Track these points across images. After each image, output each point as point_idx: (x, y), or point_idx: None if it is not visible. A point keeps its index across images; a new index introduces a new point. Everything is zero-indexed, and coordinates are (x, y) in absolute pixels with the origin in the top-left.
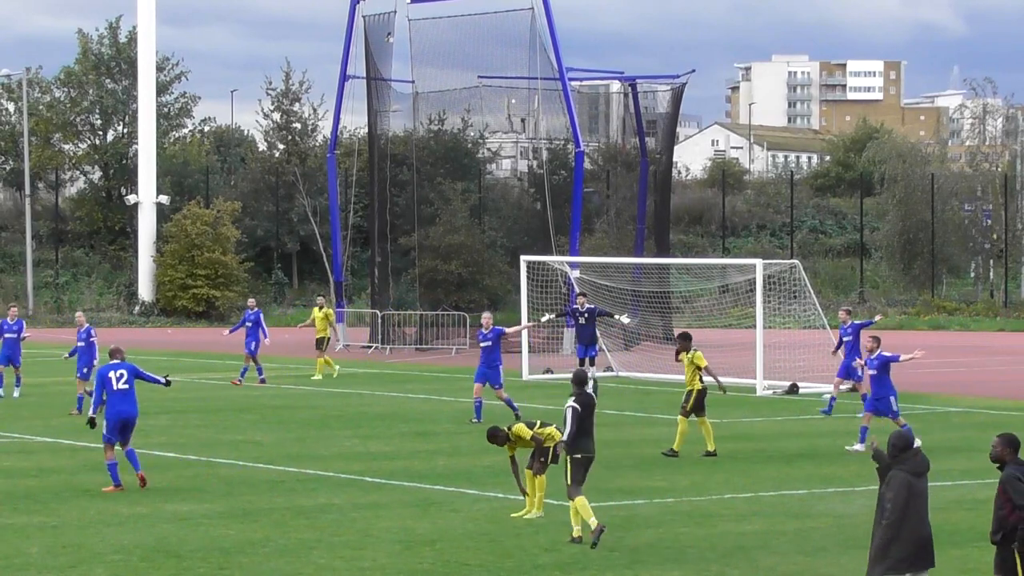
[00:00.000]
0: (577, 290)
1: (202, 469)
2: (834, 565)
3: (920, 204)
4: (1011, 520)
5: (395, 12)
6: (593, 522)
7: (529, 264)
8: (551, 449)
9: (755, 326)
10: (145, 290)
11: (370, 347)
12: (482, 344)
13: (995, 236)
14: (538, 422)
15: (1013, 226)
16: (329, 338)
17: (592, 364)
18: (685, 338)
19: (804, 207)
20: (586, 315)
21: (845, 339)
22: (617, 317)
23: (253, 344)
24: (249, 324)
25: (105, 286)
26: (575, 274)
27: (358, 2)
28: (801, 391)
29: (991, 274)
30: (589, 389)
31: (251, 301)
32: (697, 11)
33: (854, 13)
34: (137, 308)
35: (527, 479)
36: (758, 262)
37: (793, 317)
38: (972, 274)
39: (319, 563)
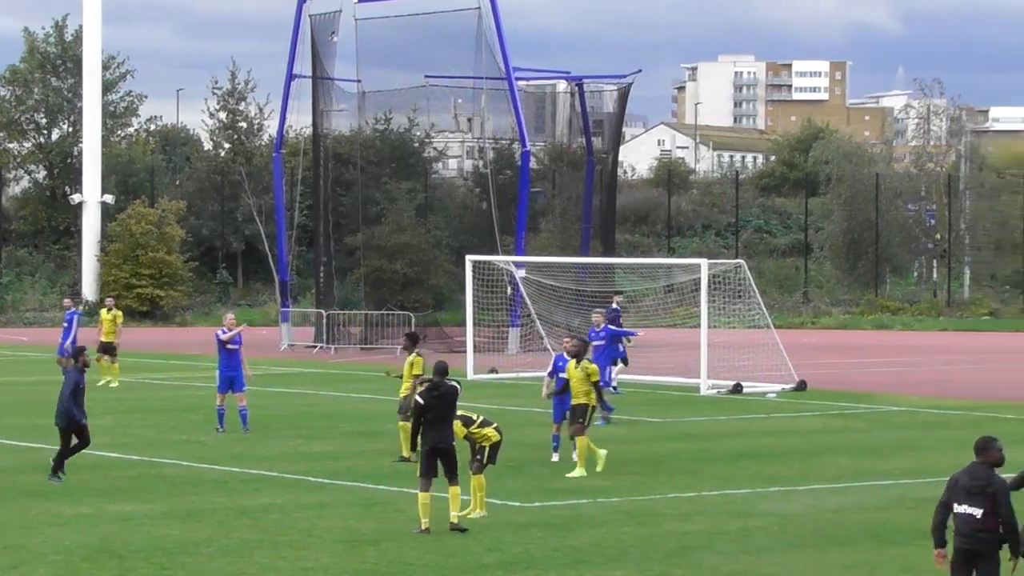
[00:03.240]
0: (523, 291)
1: (145, 469)
2: (777, 564)
3: (865, 204)
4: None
5: (341, 12)
6: (424, 523)
7: (475, 264)
8: (486, 448)
9: (700, 326)
10: (89, 290)
11: (315, 347)
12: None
13: (939, 236)
14: (479, 419)
15: (957, 226)
16: (116, 344)
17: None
18: (414, 339)
19: (749, 207)
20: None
21: (596, 343)
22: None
23: (68, 343)
24: (66, 324)
25: (49, 286)
26: (521, 274)
27: (304, 1)
28: (745, 391)
29: (934, 274)
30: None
31: (67, 301)
32: (641, 11)
33: (797, 14)
34: (81, 308)
35: (470, 480)
36: (703, 262)
37: (737, 317)
38: (916, 274)
39: (262, 563)
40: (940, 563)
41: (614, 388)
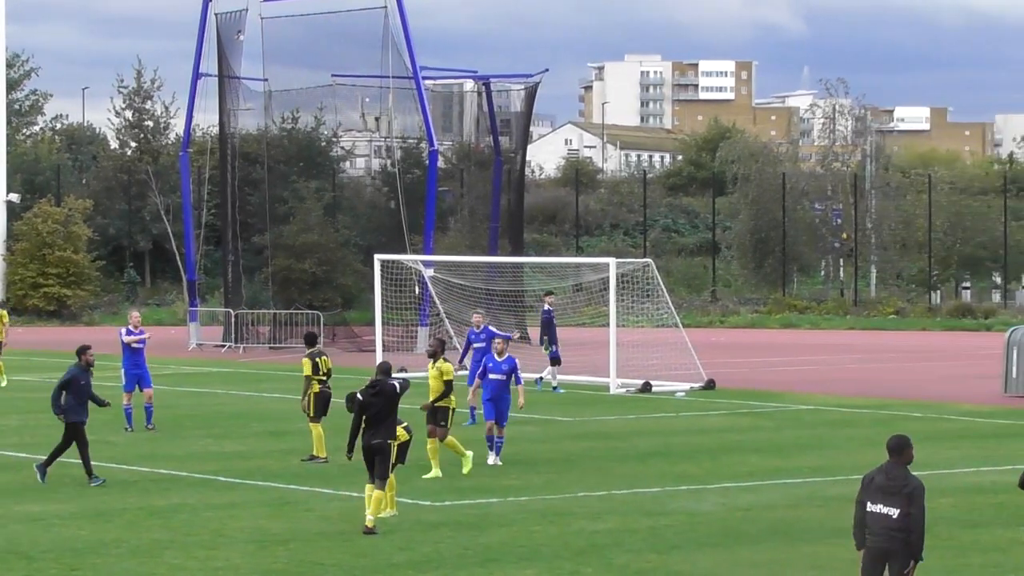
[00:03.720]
0: (432, 290)
1: (54, 469)
2: (687, 563)
3: (771, 203)
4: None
5: (247, 10)
6: (370, 520)
7: (383, 263)
8: (395, 448)
9: (608, 325)
10: None
11: (223, 346)
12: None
13: (845, 235)
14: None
15: (863, 225)
16: (3, 343)
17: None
18: (310, 339)
19: (657, 206)
20: (549, 314)
21: (477, 344)
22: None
23: None
24: None
25: None
26: (429, 273)
27: (210, 0)
28: (654, 389)
29: (841, 273)
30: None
31: None
32: (547, 10)
33: (702, 14)
34: None
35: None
36: (611, 261)
37: (646, 316)
38: (822, 273)
39: (172, 563)
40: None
41: (555, 388)
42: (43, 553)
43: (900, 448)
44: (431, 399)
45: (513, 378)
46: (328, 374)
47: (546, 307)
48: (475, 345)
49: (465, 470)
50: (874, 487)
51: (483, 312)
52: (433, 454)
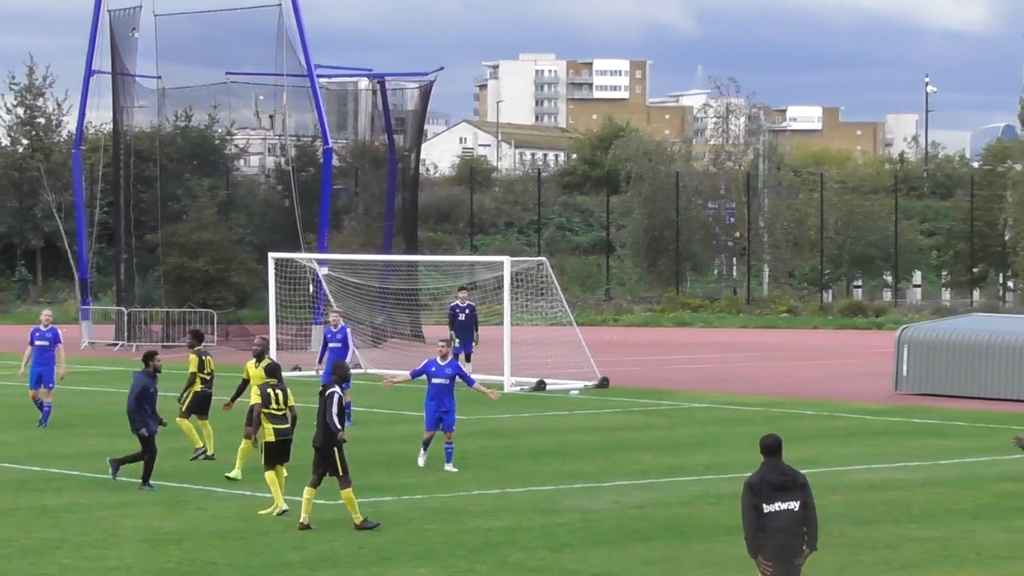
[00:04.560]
0: (326, 288)
1: None
2: (580, 560)
3: (665, 202)
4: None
5: (141, 7)
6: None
7: (277, 261)
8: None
9: (503, 323)
10: None
11: (116, 344)
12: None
13: (738, 234)
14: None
15: (756, 224)
16: None
17: (468, 360)
18: (197, 336)
19: (551, 205)
20: (466, 311)
21: (333, 344)
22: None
23: None
24: None
25: None
26: (324, 271)
27: None
28: (548, 388)
29: (734, 272)
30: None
31: None
32: (442, 9)
33: (596, 13)
34: None
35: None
36: (505, 260)
37: (540, 314)
38: (716, 272)
39: (64, 563)
40: (769, 572)
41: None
42: None
43: (779, 445)
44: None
45: (464, 381)
46: (211, 375)
47: (462, 303)
48: (331, 345)
49: (233, 474)
50: (767, 488)
51: (340, 312)
52: (243, 455)
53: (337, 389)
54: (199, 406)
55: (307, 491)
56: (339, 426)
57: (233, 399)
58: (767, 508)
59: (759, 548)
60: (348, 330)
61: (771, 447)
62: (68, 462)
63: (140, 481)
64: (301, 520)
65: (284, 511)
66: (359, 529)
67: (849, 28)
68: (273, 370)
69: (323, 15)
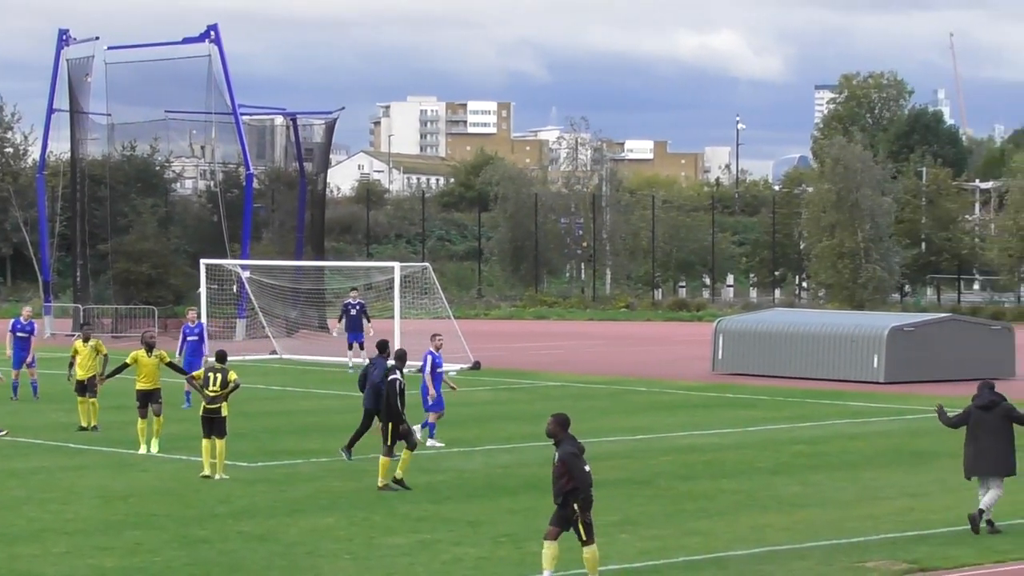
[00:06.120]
0: (248, 288)
1: None
2: (457, 511)
3: (526, 218)
4: (567, 487)
5: (93, 56)
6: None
7: (208, 266)
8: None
9: (394, 317)
10: None
11: (74, 335)
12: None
13: (585, 244)
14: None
15: (600, 236)
16: None
17: (362, 349)
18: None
19: (433, 220)
20: (356, 307)
21: (191, 338)
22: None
23: None
24: None
25: None
26: (246, 275)
27: (63, 47)
28: None
29: (582, 274)
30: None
31: None
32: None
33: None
34: None
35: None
36: (396, 265)
37: (424, 310)
38: (567, 274)
39: (30, 516)
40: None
41: (351, 369)
42: None
43: (569, 420)
44: (150, 387)
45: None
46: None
47: (353, 300)
48: (189, 338)
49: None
50: (581, 452)
51: (196, 310)
52: (142, 432)
53: (399, 375)
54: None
55: (381, 459)
56: (402, 411)
57: (109, 375)
58: (586, 468)
59: (591, 503)
60: (204, 325)
61: (565, 422)
62: (33, 432)
63: (92, 448)
64: (379, 484)
65: (207, 476)
66: (396, 483)
67: (674, 77)
68: (222, 357)
69: (245, 64)
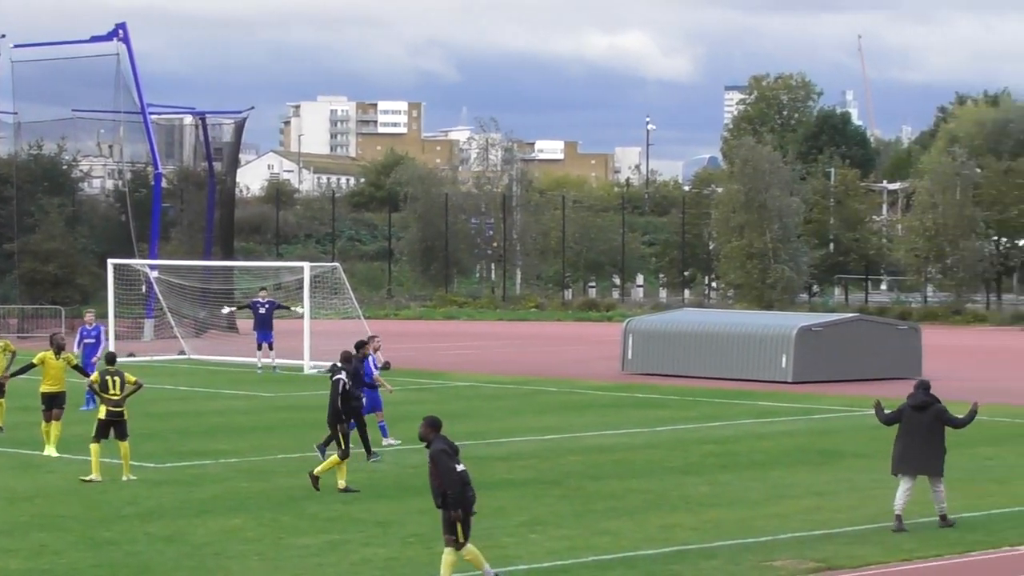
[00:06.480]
0: (156, 289)
1: None
2: (366, 511)
3: (436, 218)
4: (440, 488)
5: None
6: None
7: (116, 266)
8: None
9: (303, 317)
10: None
11: None
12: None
13: (496, 244)
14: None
15: (510, 236)
16: None
17: (271, 349)
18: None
19: (343, 220)
20: (266, 306)
21: (87, 340)
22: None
23: None
24: None
25: None
26: (154, 275)
27: None
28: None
29: (493, 274)
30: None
31: None
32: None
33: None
34: None
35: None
36: (305, 265)
37: (334, 309)
38: (478, 274)
39: None
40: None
41: (259, 369)
42: None
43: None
44: (56, 390)
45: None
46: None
47: (263, 299)
48: (86, 340)
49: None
50: (453, 451)
51: (94, 312)
52: (47, 434)
53: (343, 376)
54: None
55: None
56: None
57: (14, 374)
58: (459, 468)
59: (463, 502)
60: (102, 328)
61: (437, 424)
62: None
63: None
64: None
65: (92, 479)
66: (312, 478)
67: (584, 77)
68: (112, 359)
69: (154, 62)
